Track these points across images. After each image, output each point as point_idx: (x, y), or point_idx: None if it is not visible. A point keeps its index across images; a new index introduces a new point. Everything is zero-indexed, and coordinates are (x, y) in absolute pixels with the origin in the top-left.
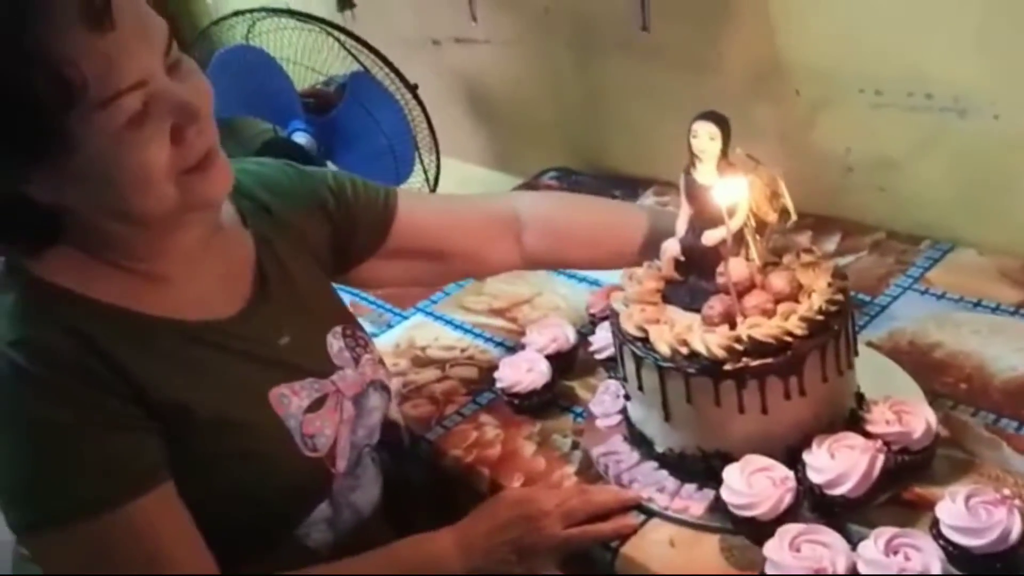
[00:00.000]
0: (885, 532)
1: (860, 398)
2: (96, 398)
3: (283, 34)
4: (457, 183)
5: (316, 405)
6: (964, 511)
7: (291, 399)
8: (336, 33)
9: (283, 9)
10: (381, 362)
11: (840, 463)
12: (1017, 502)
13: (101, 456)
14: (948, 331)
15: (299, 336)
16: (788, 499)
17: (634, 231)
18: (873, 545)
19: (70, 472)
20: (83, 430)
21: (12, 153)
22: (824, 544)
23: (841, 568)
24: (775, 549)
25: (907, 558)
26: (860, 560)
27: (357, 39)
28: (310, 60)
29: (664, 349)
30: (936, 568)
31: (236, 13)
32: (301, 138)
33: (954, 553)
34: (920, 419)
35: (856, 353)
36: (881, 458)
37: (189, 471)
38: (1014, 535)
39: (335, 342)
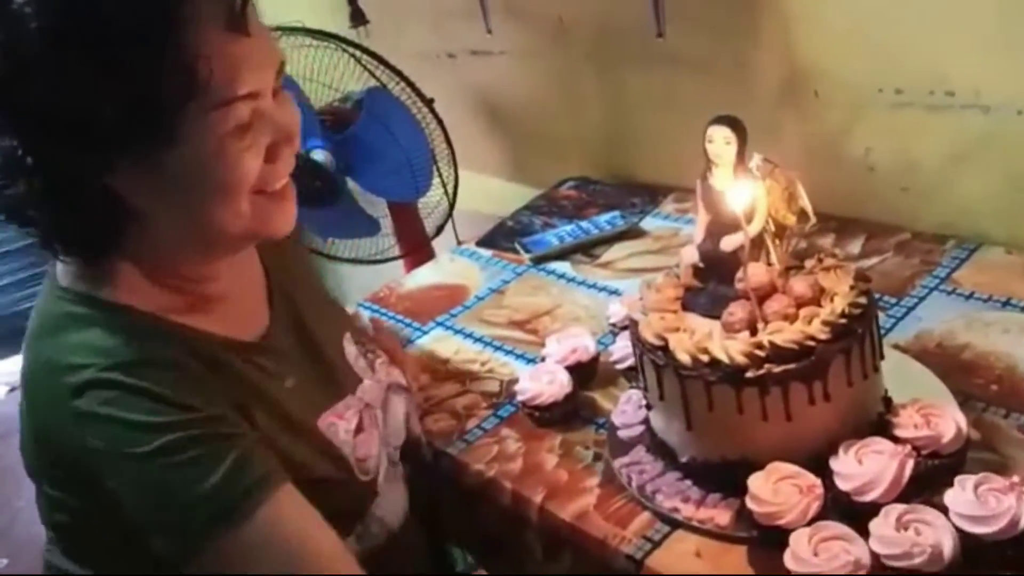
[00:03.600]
0: (895, 508)
1: (888, 402)
2: (212, 409)
3: (299, 52)
4: (476, 195)
5: (360, 426)
6: (973, 498)
7: (338, 425)
8: (351, 50)
9: (298, 28)
10: (392, 364)
11: (868, 469)
12: None
13: (235, 459)
14: (977, 331)
15: (324, 348)
16: (815, 507)
17: None
18: (884, 522)
19: (217, 480)
20: (218, 434)
21: (117, 136)
22: (842, 538)
23: (865, 558)
24: (795, 557)
25: (918, 533)
26: (872, 538)
27: (372, 55)
28: (326, 77)
29: (684, 357)
30: (948, 542)
31: None
32: (319, 155)
33: (964, 541)
34: (949, 422)
35: (882, 356)
36: (910, 463)
37: None
38: None
39: (350, 348)
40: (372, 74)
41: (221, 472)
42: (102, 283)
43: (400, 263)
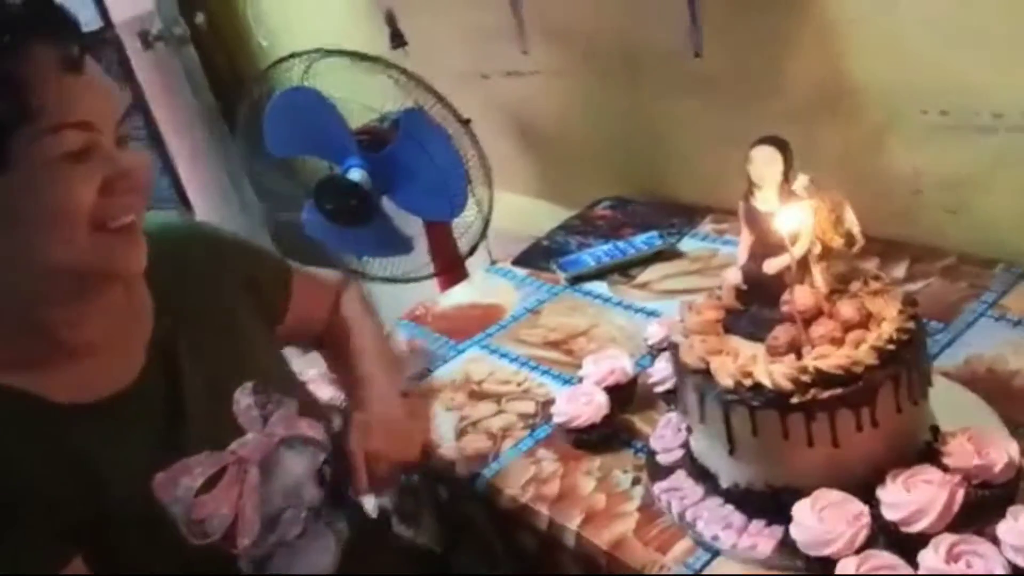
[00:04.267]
0: (946, 539)
1: (935, 430)
2: None
3: (338, 74)
4: (510, 215)
5: (211, 482)
6: None
7: (180, 481)
8: (389, 71)
9: (337, 50)
10: (309, 414)
11: (917, 498)
12: None
13: None
14: None
15: (197, 400)
16: (863, 536)
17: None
18: (934, 553)
19: None
20: None
21: None
22: (891, 568)
23: None
24: None
25: (969, 565)
26: (921, 569)
27: (410, 76)
28: (364, 98)
29: (727, 381)
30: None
31: (292, 55)
32: (356, 175)
33: (1017, 574)
34: (1001, 451)
35: (930, 383)
36: (960, 493)
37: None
38: None
39: (244, 399)
40: (409, 95)
41: None
42: None
43: (433, 282)
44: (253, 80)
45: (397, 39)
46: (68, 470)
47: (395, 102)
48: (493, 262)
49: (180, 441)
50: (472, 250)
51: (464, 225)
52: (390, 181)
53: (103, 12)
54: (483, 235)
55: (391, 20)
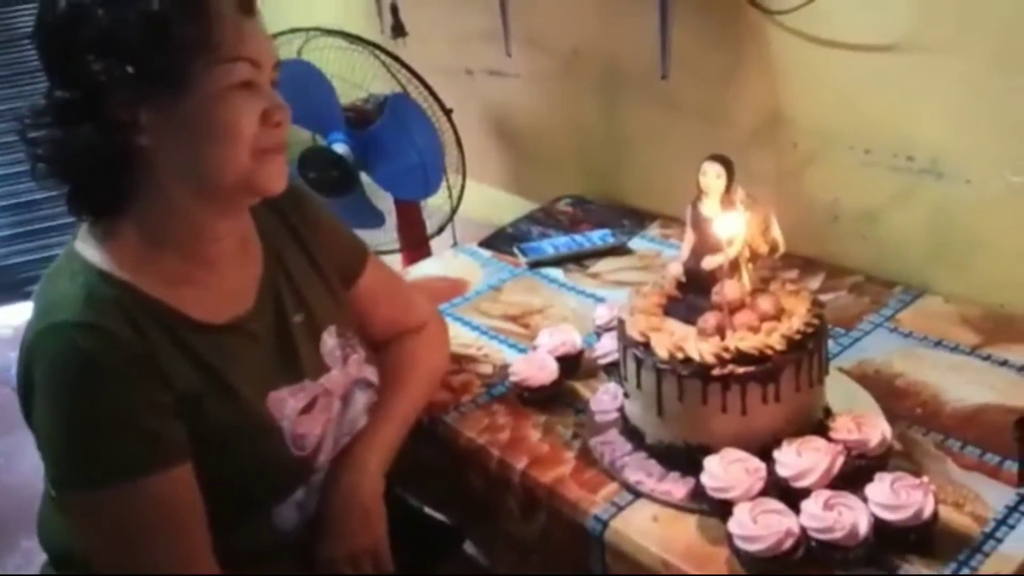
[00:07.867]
0: (824, 493)
1: (828, 411)
2: (139, 383)
3: (332, 52)
4: (477, 203)
5: (309, 407)
6: (889, 491)
7: (287, 402)
8: (383, 56)
9: (336, 30)
10: (369, 362)
11: (805, 460)
12: (932, 487)
13: (137, 432)
14: (910, 364)
15: (296, 337)
16: (758, 487)
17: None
18: (813, 502)
19: (109, 443)
20: (124, 408)
21: (140, 79)
22: (778, 512)
23: (795, 528)
24: (738, 523)
25: (840, 514)
26: (802, 514)
27: (401, 63)
28: (355, 78)
29: (663, 353)
30: (864, 523)
31: (293, 30)
32: (340, 148)
33: (877, 525)
34: (877, 431)
35: (827, 371)
36: (841, 459)
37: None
38: (927, 513)
39: (329, 339)
40: (398, 80)
41: (125, 437)
42: (103, 252)
43: (398, 256)
44: None
45: (398, 30)
46: (205, 375)
47: (383, 85)
48: (455, 244)
49: (286, 368)
50: (439, 231)
51: (433, 207)
52: (370, 158)
53: None
54: (450, 218)
55: (395, 11)
